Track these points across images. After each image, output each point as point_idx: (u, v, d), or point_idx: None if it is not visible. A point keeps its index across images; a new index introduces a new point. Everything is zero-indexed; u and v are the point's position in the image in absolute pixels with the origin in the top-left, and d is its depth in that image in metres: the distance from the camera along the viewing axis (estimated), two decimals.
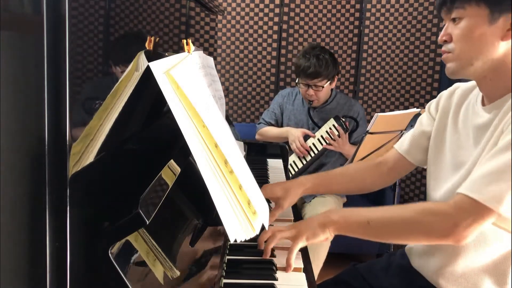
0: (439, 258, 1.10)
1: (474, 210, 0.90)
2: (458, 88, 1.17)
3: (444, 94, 1.19)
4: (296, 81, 2.29)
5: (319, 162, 2.31)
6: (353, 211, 1.05)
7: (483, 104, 1.04)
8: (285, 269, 0.99)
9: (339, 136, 2.17)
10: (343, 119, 2.19)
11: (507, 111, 0.95)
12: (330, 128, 2.20)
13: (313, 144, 2.23)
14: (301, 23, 2.93)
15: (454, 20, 0.99)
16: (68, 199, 0.55)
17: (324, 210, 2.26)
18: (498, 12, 0.93)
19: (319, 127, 2.27)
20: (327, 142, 2.19)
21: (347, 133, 2.20)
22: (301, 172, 2.29)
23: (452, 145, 1.10)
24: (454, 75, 1.02)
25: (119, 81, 0.73)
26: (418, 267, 1.18)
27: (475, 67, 0.98)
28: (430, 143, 1.19)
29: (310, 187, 1.28)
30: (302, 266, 1.02)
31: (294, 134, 2.25)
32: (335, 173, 1.37)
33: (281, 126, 2.42)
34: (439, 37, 1.02)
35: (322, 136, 2.21)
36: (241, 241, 0.75)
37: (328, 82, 2.22)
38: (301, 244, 1.02)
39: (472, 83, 1.11)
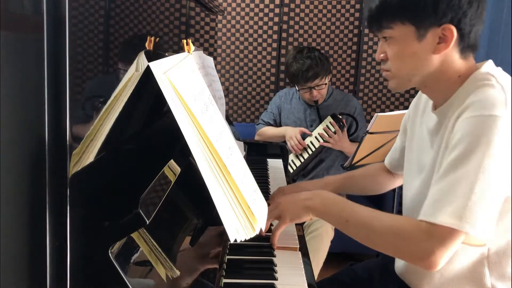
0: (418, 268, 1.09)
1: (442, 235, 0.87)
2: (424, 95, 1.18)
3: (412, 104, 1.23)
4: (296, 89, 2.28)
5: (317, 158, 2.32)
6: (336, 203, 1.03)
7: (434, 108, 1.06)
8: (284, 260, 1.02)
9: (335, 133, 2.17)
10: (340, 116, 2.20)
11: (451, 118, 0.95)
12: (326, 126, 2.21)
13: (311, 142, 2.25)
14: (301, 23, 2.93)
15: (385, 38, 1.00)
16: (68, 199, 0.55)
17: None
18: (424, 29, 0.94)
19: (317, 124, 2.28)
20: (324, 139, 2.19)
21: (344, 130, 2.20)
22: (300, 170, 2.29)
23: (418, 149, 1.13)
24: (397, 91, 1.06)
25: (121, 83, 0.73)
26: (401, 275, 1.18)
27: (413, 82, 1.02)
28: (405, 149, 1.22)
29: (336, 188, 1.36)
30: (298, 246, 1.08)
31: (291, 132, 2.27)
32: (359, 175, 1.44)
33: (280, 126, 2.43)
34: (376, 55, 1.05)
35: (319, 134, 2.22)
36: (241, 241, 0.75)
37: (327, 78, 2.23)
38: (285, 226, 1.06)
39: None
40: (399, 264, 1.19)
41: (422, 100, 1.17)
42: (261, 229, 0.98)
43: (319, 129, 2.23)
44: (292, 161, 2.29)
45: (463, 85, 0.98)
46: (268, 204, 1.32)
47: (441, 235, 0.88)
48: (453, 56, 0.97)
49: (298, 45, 2.93)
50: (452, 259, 1.01)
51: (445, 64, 0.98)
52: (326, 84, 2.23)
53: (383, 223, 0.96)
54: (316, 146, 2.22)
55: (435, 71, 0.98)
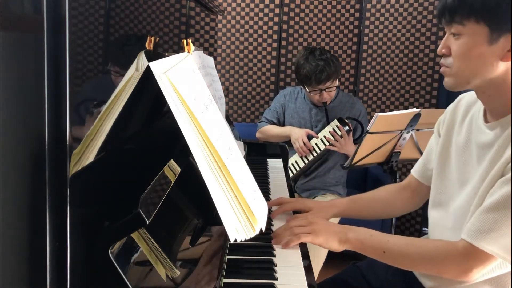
0: None
1: (483, 258, 0.93)
2: (462, 99, 1.16)
3: (449, 109, 1.18)
4: (301, 88, 2.24)
5: (320, 161, 2.31)
6: (370, 235, 1.07)
7: (485, 120, 1.03)
8: (284, 260, 1.03)
9: (341, 137, 2.16)
10: (347, 121, 2.19)
11: (509, 144, 0.94)
12: (333, 129, 2.19)
13: (316, 144, 2.23)
14: (301, 23, 2.93)
15: (453, 34, 0.97)
16: (68, 199, 0.55)
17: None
18: (498, 32, 0.91)
19: (322, 125, 2.27)
20: (330, 142, 2.18)
21: (350, 134, 2.19)
22: (303, 171, 2.28)
23: (458, 161, 1.10)
24: (452, 89, 1.02)
25: (121, 83, 0.73)
26: (418, 276, 1.18)
27: (472, 84, 0.98)
28: (436, 157, 1.18)
29: (342, 211, 1.31)
30: (298, 246, 1.09)
31: (297, 133, 2.24)
32: (367, 198, 1.36)
33: (283, 125, 2.40)
34: (439, 48, 1.00)
35: (325, 137, 2.21)
36: (241, 241, 0.75)
37: (338, 79, 2.22)
38: (310, 241, 1.07)
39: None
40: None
41: (460, 108, 1.14)
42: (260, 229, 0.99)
43: (325, 132, 2.21)
44: (296, 161, 2.28)
45: None
46: (269, 207, 1.33)
47: (481, 258, 0.94)
48: None
49: (298, 45, 2.93)
50: None
51: (509, 73, 0.94)
52: (336, 86, 2.21)
53: (420, 250, 1.03)
54: (322, 149, 2.21)
55: (497, 79, 0.95)
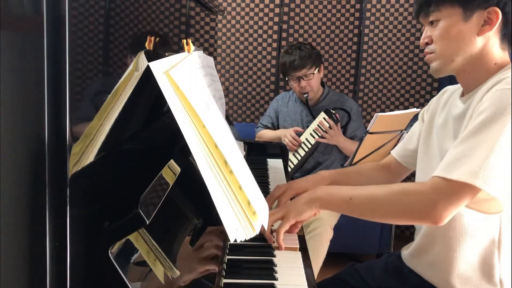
0: (431, 256, 1.13)
1: (450, 189, 0.92)
2: (447, 90, 1.23)
3: (434, 99, 1.26)
4: (287, 80, 2.35)
5: (316, 160, 2.33)
6: (338, 188, 1.09)
7: (461, 96, 1.10)
8: (284, 260, 1.02)
9: (330, 127, 2.19)
10: (333, 111, 2.23)
11: (478, 99, 0.99)
12: (321, 121, 2.24)
13: (306, 139, 2.28)
14: (301, 23, 2.93)
15: (432, 23, 1.06)
16: (68, 199, 0.55)
17: None
18: (471, 11, 1.01)
19: None
20: (319, 135, 2.22)
21: (338, 125, 2.24)
22: (297, 168, 2.31)
23: (438, 139, 1.15)
24: (438, 73, 1.09)
25: (120, 81, 0.73)
26: (412, 266, 1.20)
27: (456, 62, 1.05)
28: (419, 142, 1.24)
29: (332, 181, 1.36)
30: (298, 246, 1.07)
31: (285, 131, 2.34)
32: (351, 171, 1.45)
33: (277, 128, 2.50)
34: (421, 41, 1.10)
35: (314, 130, 2.26)
36: (241, 241, 0.75)
37: (316, 69, 2.27)
38: (288, 224, 1.06)
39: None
40: (411, 257, 1.21)
41: (444, 97, 1.21)
42: (262, 226, 0.99)
43: (314, 125, 2.27)
44: (289, 159, 2.31)
45: (496, 74, 1.02)
46: (269, 205, 1.33)
47: (448, 190, 0.93)
48: (494, 42, 1.03)
49: None
50: (465, 247, 1.06)
51: (486, 48, 1.03)
52: (314, 74, 2.26)
53: (387, 190, 1.01)
54: (312, 143, 2.26)
55: (476, 54, 1.03)
